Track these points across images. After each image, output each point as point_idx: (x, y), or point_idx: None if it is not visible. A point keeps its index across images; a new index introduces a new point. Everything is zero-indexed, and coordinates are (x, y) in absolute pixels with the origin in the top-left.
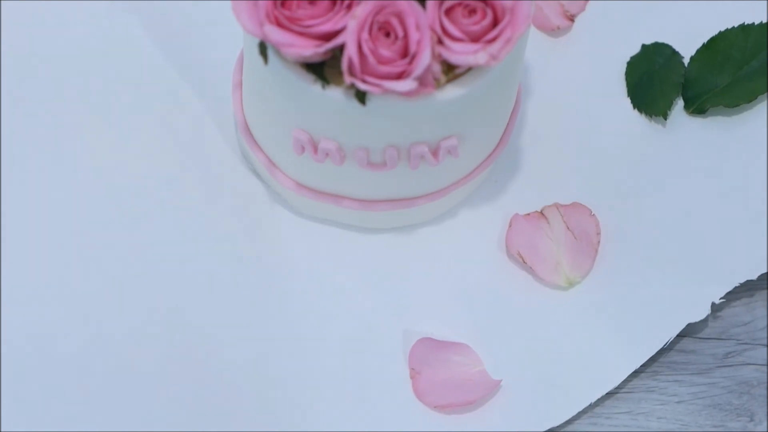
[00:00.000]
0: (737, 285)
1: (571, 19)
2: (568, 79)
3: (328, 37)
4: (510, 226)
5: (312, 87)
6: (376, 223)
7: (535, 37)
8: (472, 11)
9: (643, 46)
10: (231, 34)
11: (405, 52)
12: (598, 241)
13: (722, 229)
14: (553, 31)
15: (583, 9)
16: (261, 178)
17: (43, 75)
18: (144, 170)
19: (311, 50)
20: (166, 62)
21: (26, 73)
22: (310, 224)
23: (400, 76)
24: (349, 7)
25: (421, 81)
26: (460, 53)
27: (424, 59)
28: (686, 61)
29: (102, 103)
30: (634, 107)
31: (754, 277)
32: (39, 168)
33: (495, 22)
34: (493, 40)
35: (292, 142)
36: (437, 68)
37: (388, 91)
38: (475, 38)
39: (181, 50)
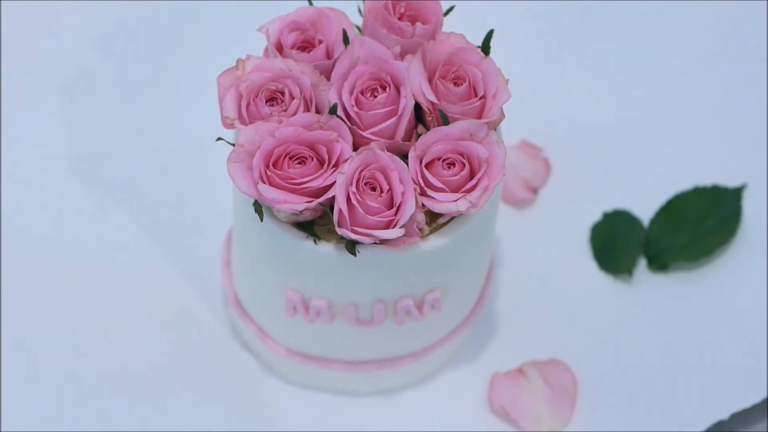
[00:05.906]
0: (708, 427)
1: (535, 191)
2: (536, 247)
3: (318, 193)
4: (491, 384)
5: (304, 243)
6: (363, 386)
7: (502, 210)
8: (451, 164)
9: (604, 213)
10: (215, 218)
11: (391, 204)
12: (576, 393)
13: (689, 375)
14: (519, 204)
15: (545, 182)
16: (252, 351)
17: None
18: (133, 353)
19: (303, 205)
20: (153, 245)
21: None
22: (299, 392)
23: (387, 226)
24: (336, 165)
25: (407, 231)
26: (443, 202)
27: (410, 208)
28: (645, 221)
29: (90, 285)
30: (601, 268)
31: (725, 416)
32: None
33: (472, 174)
34: (472, 189)
35: (284, 304)
36: (421, 218)
37: (377, 240)
38: (454, 189)
39: (167, 234)
